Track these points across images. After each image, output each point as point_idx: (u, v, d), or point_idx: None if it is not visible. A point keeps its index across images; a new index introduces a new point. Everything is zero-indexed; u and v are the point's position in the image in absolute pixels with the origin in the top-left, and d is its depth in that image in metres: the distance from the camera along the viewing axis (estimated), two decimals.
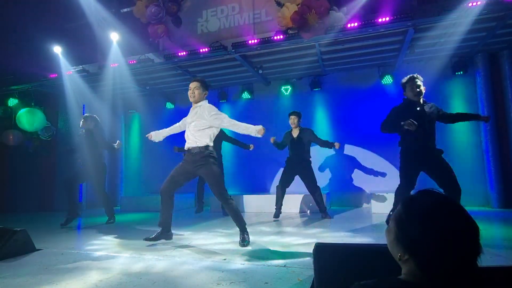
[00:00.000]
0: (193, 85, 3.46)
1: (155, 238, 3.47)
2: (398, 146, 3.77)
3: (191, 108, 3.56)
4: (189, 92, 3.46)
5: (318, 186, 5.20)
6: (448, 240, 0.68)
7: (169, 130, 3.80)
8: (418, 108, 3.59)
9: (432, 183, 3.56)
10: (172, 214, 3.56)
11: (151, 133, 3.84)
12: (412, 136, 3.48)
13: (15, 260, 2.98)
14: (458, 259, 0.67)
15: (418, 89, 3.57)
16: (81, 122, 5.28)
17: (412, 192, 3.37)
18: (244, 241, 3.33)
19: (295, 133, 5.35)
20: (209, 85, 7.68)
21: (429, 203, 0.74)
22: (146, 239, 3.45)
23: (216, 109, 3.51)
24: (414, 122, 3.28)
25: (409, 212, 0.75)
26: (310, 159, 5.35)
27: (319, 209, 5.20)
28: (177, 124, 3.77)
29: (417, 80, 3.62)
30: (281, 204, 5.27)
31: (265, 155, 7.09)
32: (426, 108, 3.62)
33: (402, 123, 3.35)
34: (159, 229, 3.51)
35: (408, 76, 3.69)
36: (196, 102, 3.49)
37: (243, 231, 3.43)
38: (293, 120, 5.32)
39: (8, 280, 2.40)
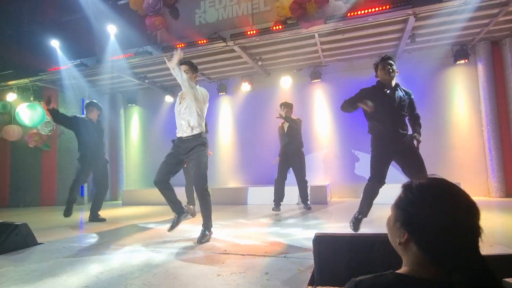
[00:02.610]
0: (182, 68, 3.38)
1: (176, 224, 3.40)
2: (368, 134, 3.52)
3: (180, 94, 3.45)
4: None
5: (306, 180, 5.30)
6: (449, 219, 0.67)
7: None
8: (388, 91, 3.37)
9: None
10: (176, 198, 3.43)
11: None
12: (380, 122, 3.30)
13: (17, 254, 3.00)
14: (459, 238, 0.66)
15: (390, 69, 3.35)
16: (88, 111, 4.99)
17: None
18: (203, 239, 3.19)
19: (286, 125, 5.27)
20: (210, 78, 7.70)
21: (428, 182, 0.74)
22: (170, 230, 3.41)
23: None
24: (369, 102, 3.09)
25: (409, 193, 0.75)
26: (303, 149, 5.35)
27: (302, 199, 5.34)
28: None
29: (389, 60, 3.41)
30: (282, 197, 5.24)
31: (269, 147, 7.07)
32: (399, 92, 3.38)
33: (358, 103, 3.17)
34: (173, 216, 3.46)
35: (381, 57, 3.50)
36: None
37: (208, 229, 3.31)
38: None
39: (10, 274, 2.41)
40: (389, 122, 3.27)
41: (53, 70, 7.07)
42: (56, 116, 4.70)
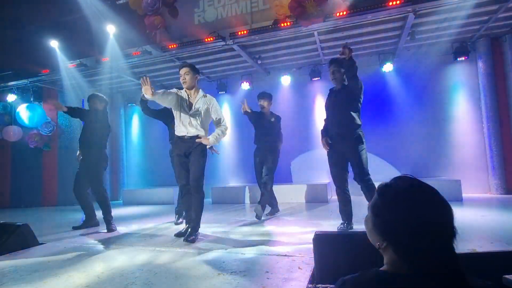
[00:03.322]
0: (183, 70, 3.36)
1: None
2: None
3: (184, 91, 3.43)
4: (181, 79, 3.39)
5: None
6: (423, 224, 0.68)
7: (161, 95, 3.34)
8: (333, 95, 3.49)
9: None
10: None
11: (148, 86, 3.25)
12: (327, 124, 3.54)
13: (18, 254, 3.00)
14: (434, 243, 0.68)
15: (332, 76, 3.43)
16: (88, 101, 4.48)
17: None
18: (191, 237, 3.18)
19: (268, 117, 4.59)
20: (209, 77, 7.69)
21: (403, 188, 0.74)
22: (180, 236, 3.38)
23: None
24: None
25: (383, 198, 0.76)
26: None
27: (262, 200, 4.42)
28: (170, 97, 3.37)
29: (331, 66, 3.43)
30: (269, 199, 4.57)
31: None
32: (340, 93, 3.41)
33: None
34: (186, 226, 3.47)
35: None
36: (189, 88, 3.39)
37: (196, 228, 3.30)
38: (262, 103, 4.51)
39: (12, 274, 2.42)
40: (331, 125, 3.44)
41: (52, 71, 7.07)
42: (74, 113, 4.35)
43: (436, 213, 0.70)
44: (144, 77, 3.20)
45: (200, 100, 3.37)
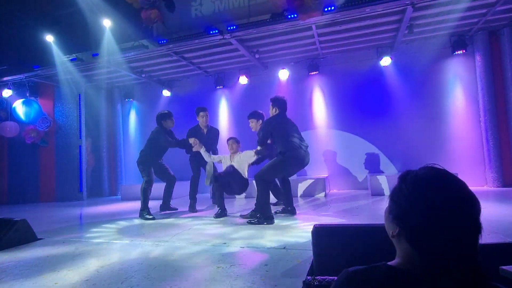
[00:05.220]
0: (231, 141, 4.39)
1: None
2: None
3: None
4: (228, 147, 4.43)
5: None
6: (440, 211, 0.63)
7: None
8: None
9: None
10: None
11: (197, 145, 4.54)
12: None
13: (17, 250, 3.00)
14: (451, 235, 0.62)
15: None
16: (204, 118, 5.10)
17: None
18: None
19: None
20: (207, 71, 7.65)
21: (426, 174, 0.70)
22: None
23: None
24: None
25: (403, 183, 0.72)
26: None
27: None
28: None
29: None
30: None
31: None
32: None
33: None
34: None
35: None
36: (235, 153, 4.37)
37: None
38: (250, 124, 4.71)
39: (11, 269, 2.42)
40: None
41: (48, 66, 7.00)
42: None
43: (457, 202, 0.64)
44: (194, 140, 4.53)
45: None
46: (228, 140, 4.49)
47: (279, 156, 3.76)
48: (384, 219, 0.79)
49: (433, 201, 0.64)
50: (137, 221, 4.33)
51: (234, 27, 5.54)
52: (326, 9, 4.99)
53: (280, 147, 3.78)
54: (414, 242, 0.66)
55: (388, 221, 0.74)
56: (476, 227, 0.63)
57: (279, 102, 4.02)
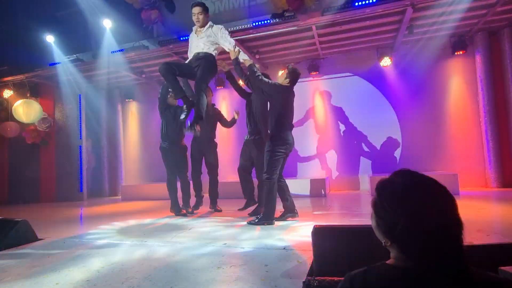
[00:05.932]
0: (196, 10, 3.62)
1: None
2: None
3: (196, 32, 3.76)
4: (194, 18, 3.65)
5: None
6: (422, 217, 0.67)
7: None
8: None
9: None
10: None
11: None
12: None
13: (18, 250, 3.01)
14: (439, 237, 0.66)
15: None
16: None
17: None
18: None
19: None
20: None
21: (400, 184, 0.73)
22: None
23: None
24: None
25: (382, 197, 0.74)
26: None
27: (212, 198, 4.75)
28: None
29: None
30: (202, 196, 4.70)
31: None
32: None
33: None
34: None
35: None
36: (202, 26, 3.69)
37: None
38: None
39: (12, 269, 2.42)
40: None
41: (48, 66, 7.01)
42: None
43: (438, 206, 0.68)
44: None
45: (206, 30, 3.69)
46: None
47: (269, 146, 3.54)
48: (372, 226, 0.82)
49: (414, 212, 0.68)
50: (138, 221, 4.34)
51: (234, 27, 5.55)
52: (326, 10, 4.99)
53: (272, 125, 3.54)
54: (406, 252, 0.70)
55: (378, 233, 0.78)
56: (459, 223, 0.68)
57: (294, 75, 3.66)
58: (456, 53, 6.10)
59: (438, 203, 0.69)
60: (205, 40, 3.68)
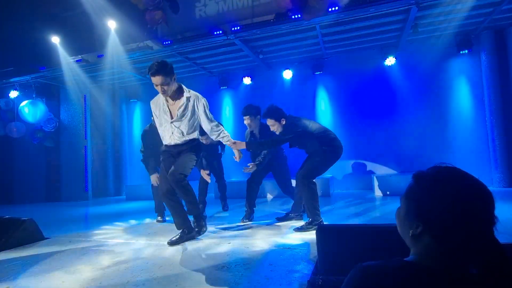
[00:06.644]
0: (156, 80, 2.76)
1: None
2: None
3: (163, 101, 3.00)
4: (158, 89, 2.83)
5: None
6: (461, 205, 0.66)
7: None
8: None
9: None
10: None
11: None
12: None
13: (25, 249, 3.04)
14: (475, 228, 0.66)
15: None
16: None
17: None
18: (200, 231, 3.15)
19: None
20: (211, 72, 7.65)
21: (438, 171, 0.73)
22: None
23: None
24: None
25: (420, 182, 0.74)
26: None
27: (222, 198, 4.95)
28: None
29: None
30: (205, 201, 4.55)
31: None
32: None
33: None
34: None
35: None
36: (171, 95, 2.94)
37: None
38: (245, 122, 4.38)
39: (19, 268, 2.45)
40: None
41: (54, 67, 7.07)
42: None
43: (476, 197, 0.68)
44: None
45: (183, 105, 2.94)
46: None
47: (321, 152, 3.44)
48: (398, 221, 0.80)
49: (454, 197, 0.68)
50: (143, 221, 4.36)
51: (238, 27, 5.56)
52: (330, 9, 4.98)
53: (318, 144, 3.47)
54: (440, 237, 0.68)
55: (407, 220, 0.75)
56: (492, 220, 0.68)
57: (273, 111, 3.66)
58: (461, 52, 6.05)
59: (478, 195, 0.69)
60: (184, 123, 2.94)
